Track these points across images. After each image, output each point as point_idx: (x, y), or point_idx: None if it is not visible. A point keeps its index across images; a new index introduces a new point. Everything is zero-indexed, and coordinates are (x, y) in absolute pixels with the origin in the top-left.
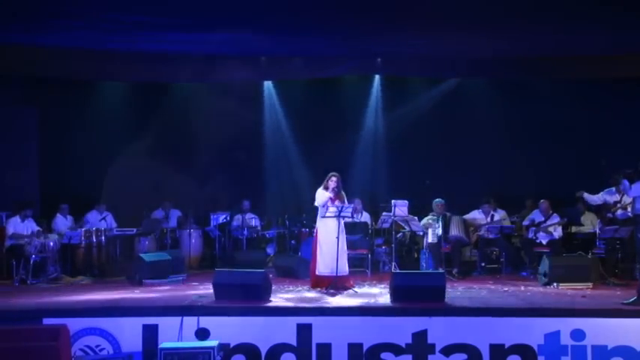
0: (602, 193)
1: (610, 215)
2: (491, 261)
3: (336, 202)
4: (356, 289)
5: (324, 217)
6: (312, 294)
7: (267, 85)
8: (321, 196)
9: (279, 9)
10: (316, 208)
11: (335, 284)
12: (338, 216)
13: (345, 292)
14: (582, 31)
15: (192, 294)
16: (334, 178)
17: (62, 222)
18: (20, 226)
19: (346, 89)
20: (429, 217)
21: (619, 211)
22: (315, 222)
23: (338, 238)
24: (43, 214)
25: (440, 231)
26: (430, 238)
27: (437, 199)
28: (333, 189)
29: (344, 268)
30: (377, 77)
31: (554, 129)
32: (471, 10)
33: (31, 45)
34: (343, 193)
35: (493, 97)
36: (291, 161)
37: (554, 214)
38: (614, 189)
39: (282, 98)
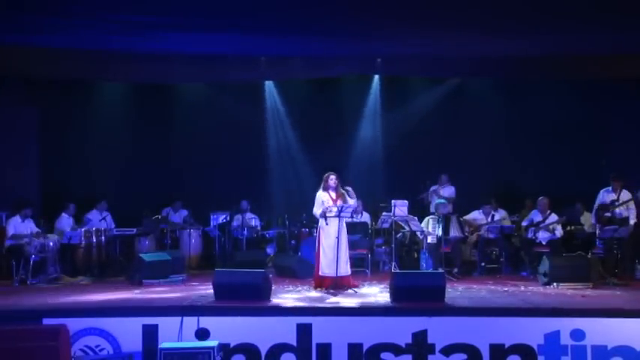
0: (600, 192)
1: (608, 215)
2: (491, 261)
3: (338, 202)
4: (356, 290)
5: (323, 217)
6: (312, 294)
7: (268, 84)
8: (320, 198)
9: (279, 9)
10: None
11: (335, 284)
12: (338, 216)
13: (345, 292)
14: (582, 31)
15: (193, 294)
16: (332, 177)
17: (67, 221)
18: (21, 226)
19: (346, 89)
20: (431, 217)
21: (617, 210)
22: (315, 222)
23: (338, 238)
24: (44, 214)
25: (440, 231)
26: (430, 239)
27: (439, 200)
28: (333, 187)
29: (345, 269)
30: (376, 77)
31: (554, 129)
32: (472, 11)
33: (31, 45)
34: (345, 189)
35: (493, 97)
36: (292, 161)
37: (552, 214)
38: (610, 188)
39: (283, 98)
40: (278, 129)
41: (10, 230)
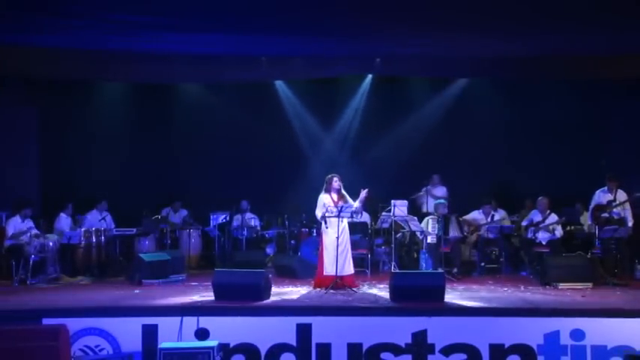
0: (596, 193)
1: (606, 215)
2: (491, 261)
3: (340, 203)
4: (356, 290)
5: (325, 217)
6: (312, 294)
7: (279, 84)
8: (322, 200)
9: (279, 9)
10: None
11: (335, 284)
12: (337, 216)
13: (345, 292)
14: (582, 31)
15: (193, 294)
16: (336, 179)
17: (65, 221)
18: (20, 226)
19: (345, 89)
20: (430, 217)
21: (615, 211)
22: (316, 223)
23: (338, 237)
24: (44, 214)
25: (440, 231)
26: (429, 239)
27: (438, 200)
28: (336, 189)
29: (348, 268)
30: (369, 77)
31: (554, 129)
32: (471, 11)
33: (30, 45)
34: (344, 192)
35: (493, 97)
36: (292, 160)
37: (552, 214)
38: (606, 188)
39: (284, 97)
40: (276, 129)
41: (10, 230)
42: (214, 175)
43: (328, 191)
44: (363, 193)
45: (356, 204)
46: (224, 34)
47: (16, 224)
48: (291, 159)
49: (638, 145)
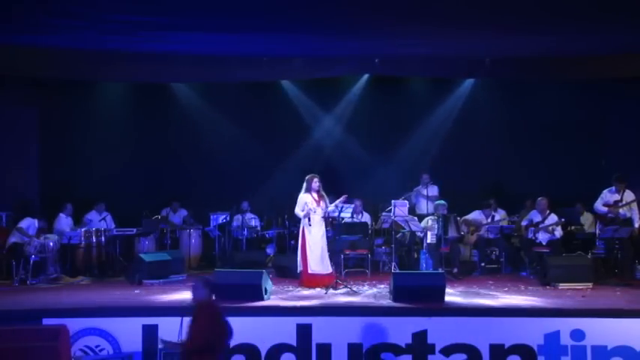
0: (603, 192)
1: (611, 215)
2: (491, 261)
3: (321, 203)
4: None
5: (308, 217)
6: (312, 294)
7: (271, 84)
8: (303, 199)
9: (279, 9)
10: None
11: (336, 284)
12: (338, 216)
13: (345, 292)
14: (583, 32)
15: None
16: (316, 179)
17: (65, 221)
18: (32, 229)
19: (346, 88)
20: (430, 217)
21: (620, 211)
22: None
23: (323, 236)
24: (43, 214)
25: (440, 231)
26: (429, 239)
27: (438, 201)
28: (315, 189)
29: (330, 266)
30: (366, 76)
31: (554, 129)
32: (471, 11)
33: (30, 45)
34: (323, 192)
35: (493, 97)
36: (291, 160)
37: (552, 214)
38: (614, 188)
39: (285, 97)
40: (275, 129)
41: (24, 224)
42: (214, 175)
43: (308, 190)
44: (342, 198)
45: (331, 207)
46: (224, 34)
47: (31, 225)
48: (292, 159)
49: (638, 145)
